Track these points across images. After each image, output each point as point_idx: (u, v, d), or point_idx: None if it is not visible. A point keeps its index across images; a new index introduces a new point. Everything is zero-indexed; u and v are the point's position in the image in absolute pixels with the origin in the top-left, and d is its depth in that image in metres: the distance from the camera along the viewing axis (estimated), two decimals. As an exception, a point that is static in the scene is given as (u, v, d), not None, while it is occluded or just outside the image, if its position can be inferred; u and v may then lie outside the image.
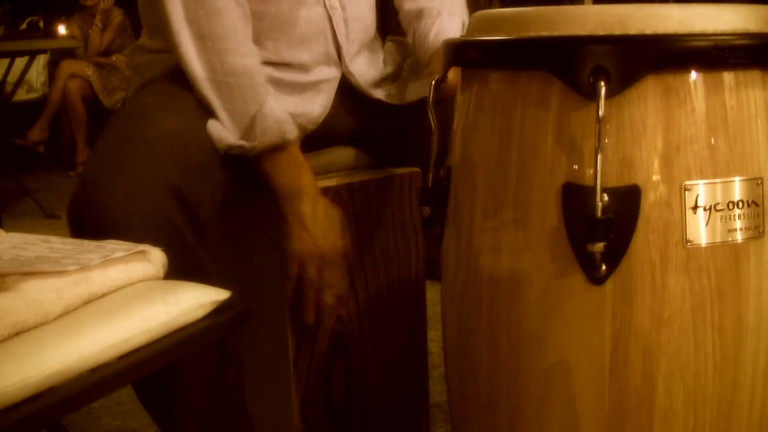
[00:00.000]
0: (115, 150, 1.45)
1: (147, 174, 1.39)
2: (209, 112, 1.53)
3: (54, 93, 6.35)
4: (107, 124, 1.56)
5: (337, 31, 1.71)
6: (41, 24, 7.44)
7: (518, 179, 1.08)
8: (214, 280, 1.21)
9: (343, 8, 1.72)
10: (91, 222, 1.38)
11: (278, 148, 1.53)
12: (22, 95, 6.33)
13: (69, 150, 6.42)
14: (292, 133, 1.53)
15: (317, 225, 1.55)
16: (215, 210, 1.50)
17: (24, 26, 7.31)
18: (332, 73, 1.74)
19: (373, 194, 1.70)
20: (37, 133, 6.43)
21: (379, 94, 1.79)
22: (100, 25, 6.52)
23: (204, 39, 1.52)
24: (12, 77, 5.80)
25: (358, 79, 1.76)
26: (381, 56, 1.86)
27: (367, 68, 1.80)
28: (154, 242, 1.21)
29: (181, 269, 1.27)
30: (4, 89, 5.72)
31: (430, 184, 1.25)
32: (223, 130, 1.51)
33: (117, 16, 6.55)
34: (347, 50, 1.74)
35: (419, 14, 1.80)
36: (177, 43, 1.53)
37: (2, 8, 6.89)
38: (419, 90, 1.79)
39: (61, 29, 6.84)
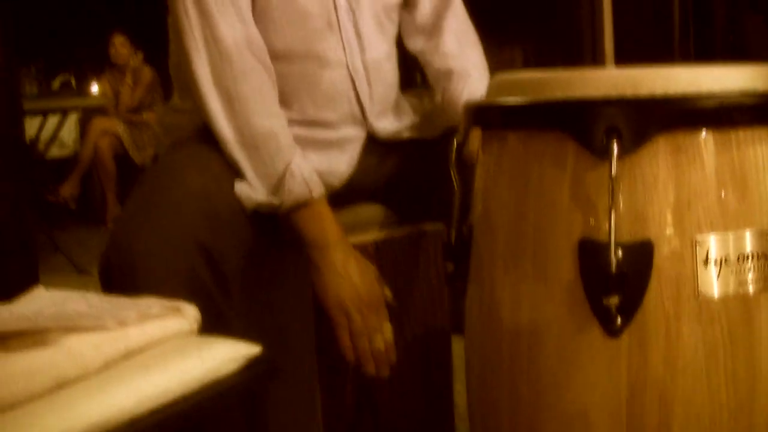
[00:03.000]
0: (145, 207, 1.50)
1: (174, 231, 1.45)
2: (236, 171, 1.58)
3: (85, 150, 6.45)
4: (138, 181, 1.62)
5: (360, 93, 1.76)
6: (73, 82, 7.60)
7: (536, 235, 1.13)
8: (237, 333, 1.26)
9: (366, 70, 1.76)
10: (120, 276, 1.44)
11: (305, 204, 1.58)
12: (54, 152, 6.44)
13: (100, 206, 6.49)
14: (319, 189, 1.58)
15: (352, 271, 1.57)
16: (240, 265, 1.54)
17: (57, 84, 7.46)
18: (357, 132, 1.78)
19: (399, 251, 1.74)
20: (68, 189, 6.51)
21: (403, 135, 1.84)
22: (130, 82, 6.63)
23: (231, 101, 1.57)
24: (45, 134, 5.92)
25: (381, 134, 1.81)
26: (404, 110, 1.89)
27: (391, 123, 1.84)
28: (181, 297, 1.25)
29: (205, 323, 1.32)
30: (37, 146, 5.83)
31: (453, 241, 1.29)
32: (251, 190, 1.55)
33: (147, 74, 6.66)
34: (371, 110, 1.78)
35: (449, 74, 1.85)
36: (205, 104, 1.59)
37: (35, 66, 7.04)
38: (435, 127, 1.84)
39: (93, 87, 6.97)
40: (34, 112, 5.69)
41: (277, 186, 1.56)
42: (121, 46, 6.64)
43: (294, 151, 1.59)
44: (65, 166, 6.65)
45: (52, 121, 5.94)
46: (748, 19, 3.38)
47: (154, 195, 1.52)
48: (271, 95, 1.62)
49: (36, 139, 5.72)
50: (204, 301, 1.42)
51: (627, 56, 2.86)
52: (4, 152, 2.41)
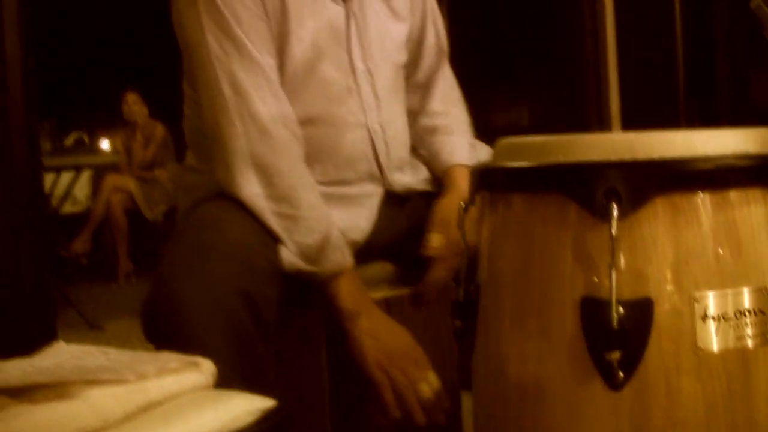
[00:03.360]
0: (188, 256, 1.56)
1: (217, 279, 1.50)
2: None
3: (98, 206, 6.53)
4: (178, 231, 1.70)
5: (378, 152, 1.84)
6: (86, 139, 7.71)
7: (541, 293, 1.17)
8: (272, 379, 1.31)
9: (383, 130, 1.85)
10: (165, 323, 1.50)
11: (340, 273, 1.65)
12: (66, 208, 6.52)
13: (111, 261, 6.55)
14: (350, 259, 1.65)
15: (382, 331, 1.65)
16: (279, 314, 1.59)
17: (69, 141, 7.56)
18: (375, 188, 1.87)
19: (408, 308, 1.79)
20: (80, 245, 6.58)
21: (417, 187, 1.94)
22: (142, 140, 6.72)
23: (270, 175, 1.64)
24: (58, 190, 5.99)
25: (397, 188, 1.90)
26: (415, 164, 1.99)
27: (406, 177, 1.94)
28: (223, 341, 1.35)
29: (246, 367, 1.38)
30: (51, 202, 5.90)
31: (461, 299, 1.34)
32: (291, 255, 1.62)
33: (159, 131, 6.75)
34: (388, 166, 1.86)
35: (434, 131, 1.98)
36: (237, 176, 1.64)
37: (48, 123, 7.14)
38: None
39: (105, 144, 7.07)
40: (48, 169, 5.77)
41: (316, 256, 1.63)
42: (133, 104, 6.74)
43: (331, 221, 1.67)
44: (77, 221, 6.72)
45: (66, 177, 6.03)
46: (754, 76, 3.43)
47: (198, 244, 1.58)
48: (305, 168, 1.70)
49: (49, 195, 5.79)
50: (245, 346, 1.50)
51: (632, 117, 2.92)
52: (24, 208, 2.47)
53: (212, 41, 1.67)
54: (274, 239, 1.63)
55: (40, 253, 2.54)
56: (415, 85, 2.03)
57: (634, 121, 2.98)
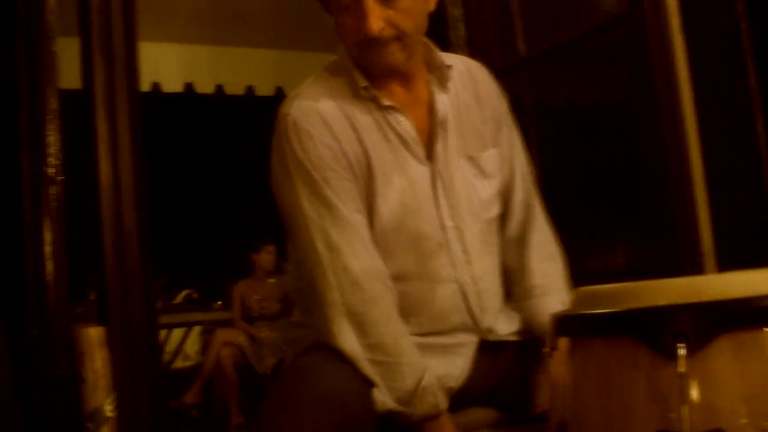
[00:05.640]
0: (285, 405, 1.68)
1: (315, 424, 1.61)
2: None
3: (208, 360, 6.60)
4: (277, 380, 1.82)
5: (471, 304, 1.92)
6: (195, 296, 7.93)
7: (619, 430, 1.26)
8: None
9: (474, 283, 1.92)
10: None
11: (434, 416, 1.73)
12: (177, 363, 6.67)
13: (222, 413, 6.61)
14: (444, 402, 1.73)
15: None
16: None
17: (179, 299, 7.79)
18: (470, 338, 1.93)
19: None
20: (191, 397, 6.64)
21: (511, 337, 1.98)
22: (269, 291, 6.81)
23: (362, 324, 1.75)
24: (169, 346, 6.17)
25: (491, 338, 1.96)
26: (509, 314, 2.04)
27: (500, 328, 1.99)
28: None
29: None
30: (161, 357, 6.07)
31: (549, 438, 1.42)
32: (384, 397, 1.71)
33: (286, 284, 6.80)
34: (481, 318, 1.93)
35: (530, 292, 2.01)
36: (333, 326, 1.76)
37: (158, 283, 7.40)
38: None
39: (218, 302, 7.23)
40: (161, 327, 5.96)
41: (409, 399, 1.72)
42: (268, 254, 6.86)
43: (423, 367, 1.75)
44: (188, 375, 6.84)
45: (177, 333, 6.22)
46: None
47: (293, 394, 1.69)
48: (397, 316, 1.80)
49: (161, 350, 5.96)
50: None
51: (726, 255, 2.94)
52: (143, 365, 2.63)
53: (305, 203, 1.82)
54: (369, 384, 1.73)
55: (156, 407, 2.68)
56: (509, 239, 2.07)
57: (729, 258, 3.01)
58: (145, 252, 2.69)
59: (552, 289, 2.01)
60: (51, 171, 2.48)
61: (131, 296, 2.64)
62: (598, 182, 3.54)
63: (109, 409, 2.36)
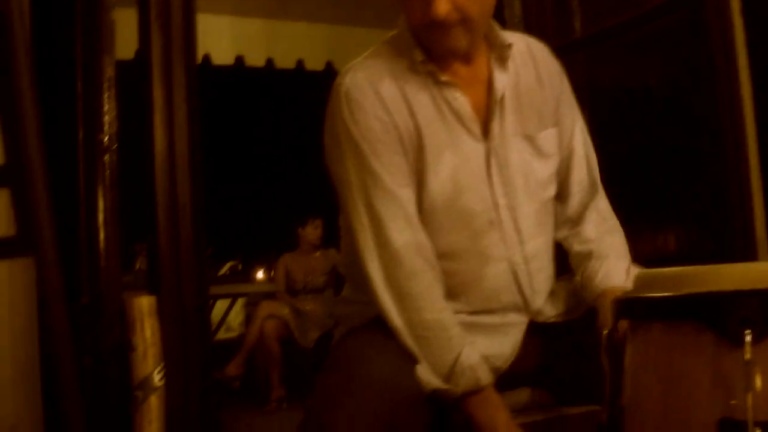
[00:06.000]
0: (337, 388, 1.68)
1: (364, 411, 1.61)
2: (413, 358, 1.74)
3: (251, 332, 6.59)
4: (329, 362, 1.81)
5: (522, 284, 1.90)
6: (240, 268, 7.97)
7: (681, 416, 1.24)
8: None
9: (526, 262, 1.91)
10: None
11: (476, 391, 1.72)
12: (220, 334, 6.71)
13: (263, 386, 6.62)
14: (487, 377, 1.73)
15: None
16: None
17: (224, 271, 7.84)
18: (520, 318, 1.92)
19: (556, 432, 1.84)
20: (233, 369, 6.66)
21: (560, 319, 1.97)
22: (314, 265, 6.82)
23: (402, 298, 1.75)
24: (212, 317, 6.20)
25: (541, 319, 1.95)
26: (559, 295, 2.02)
27: (550, 309, 1.98)
28: None
29: None
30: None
31: (605, 421, 1.41)
32: (429, 374, 1.71)
33: (333, 256, 6.81)
34: (532, 298, 1.92)
35: (588, 256, 1.97)
36: (378, 300, 1.77)
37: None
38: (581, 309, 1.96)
39: (259, 273, 7.27)
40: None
41: (449, 374, 1.71)
42: (315, 229, 6.87)
43: (463, 342, 1.74)
44: (231, 346, 6.87)
45: (221, 305, 6.24)
46: None
47: (344, 378, 1.69)
48: (439, 292, 1.79)
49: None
50: None
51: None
52: (193, 338, 2.64)
53: (353, 174, 1.82)
54: (416, 363, 1.74)
55: (205, 378, 2.69)
56: (566, 218, 2.05)
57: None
58: (198, 222, 2.70)
59: (612, 254, 1.97)
60: (106, 139, 2.48)
61: (183, 266, 2.64)
62: (651, 166, 3.51)
63: (157, 378, 2.37)
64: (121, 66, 2.58)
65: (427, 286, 1.78)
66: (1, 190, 1.42)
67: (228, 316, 6.83)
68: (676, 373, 1.25)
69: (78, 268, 2.47)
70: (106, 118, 2.49)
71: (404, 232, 1.79)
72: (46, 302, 1.32)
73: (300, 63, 6.82)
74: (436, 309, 1.77)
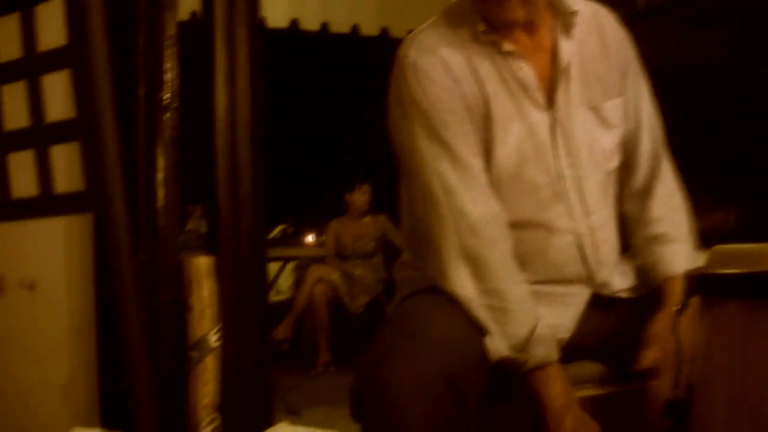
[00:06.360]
0: (397, 341, 1.67)
1: (425, 365, 1.60)
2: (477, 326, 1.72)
3: (300, 296, 6.61)
4: (386, 320, 1.82)
5: (587, 256, 1.88)
6: (290, 231, 7.97)
7: (755, 399, 1.21)
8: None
9: (592, 234, 1.88)
10: (372, 404, 1.61)
11: (545, 365, 1.71)
12: (270, 297, 6.71)
13: (311, 350, 6.64)
14: (556, 353, 1.71)
15: None
16: (483, 404, 1.66)
17: (275, 234, 7.84)
18: (583, 291, 1.90)
19: (616, 407, 1.81)
20: (282, 332, 6.68)
21: (623, 294, 1.94)
22: (363, 230, 6.82)
23: (480, 268, 1.73)
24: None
25: (605, 292, 1.92)
26: (624, 270, 1.99)
27: (615, 282, 1.95)
28: (427, 425, 1.46)
29: None
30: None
31: (674, 398, 1.38)
32: (497, 344, 1.69)
33: (383, 222, 6.81)
34: (597, 270, 1.90)
35: (653, 240, 1.95)
36: (447, 270, 1.75)
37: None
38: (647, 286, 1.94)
39: (309, 237, 7.27)
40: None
41: (522, 346, 1.70)
42: (363, 194, 6.86)
43: (537, 315, 1.73)
44: (280, 310, 6.89)
45: (271, 268, 6.25)
46: None
47: (407, 333, 1.68)
48: (514, 263, 1.78)
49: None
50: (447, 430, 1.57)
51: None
52: (250, 300, 2.65)
53: (423, 145, 1.80)
54: (480, 331, 1.72)
55: (261, 339, 2.70)
56: (633, 190, 2.01)
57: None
58: (257, 183, 2.70)
59: (677, 238, 1.94)
60: (167, 98, 2.48)
61: (242, 227, 2.65)
62: (715, 141, 3.45)
63: (213, 339, 2.38)
64: (185, 26, 2.57)
65: (505, 256, 1.77)
66: (70, 145, 1.42)
67: (278, 279, 6.82)
68: (751, 353, 1.22)
69: (136, 226, 2.47)
70: (168, 75, 2.49)
71: (479, 202, 1.77)
72: (113, 258, 1.31)
73: (355, 28, 6.78)
74: (513, 280, 1.76)
